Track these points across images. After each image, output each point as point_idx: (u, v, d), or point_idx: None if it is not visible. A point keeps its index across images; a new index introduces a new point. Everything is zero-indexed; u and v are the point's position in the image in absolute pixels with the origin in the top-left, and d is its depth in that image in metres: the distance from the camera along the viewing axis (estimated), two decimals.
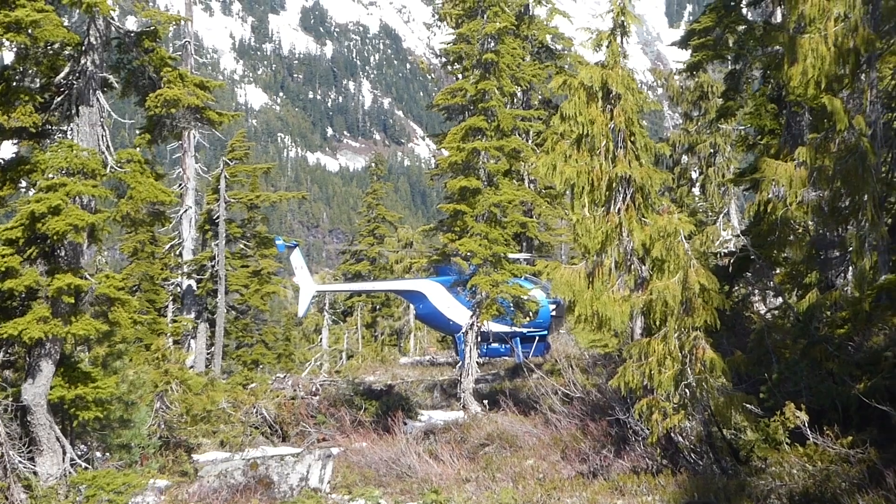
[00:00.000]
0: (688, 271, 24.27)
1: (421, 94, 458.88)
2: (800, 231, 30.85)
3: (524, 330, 48.38)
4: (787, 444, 24.67)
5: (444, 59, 58.40)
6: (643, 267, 25.96)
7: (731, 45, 41.73)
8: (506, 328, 47.37)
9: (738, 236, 44.48)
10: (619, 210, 26.16)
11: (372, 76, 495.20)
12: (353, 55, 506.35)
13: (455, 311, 49.78)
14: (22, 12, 27.12)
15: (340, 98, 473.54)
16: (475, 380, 44.03)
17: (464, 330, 44.03)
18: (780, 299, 36.48)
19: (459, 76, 53.91)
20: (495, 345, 49.53)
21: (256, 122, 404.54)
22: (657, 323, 24.89)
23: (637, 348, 25.06)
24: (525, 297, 43.91)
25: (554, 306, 49.78)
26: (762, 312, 37.63)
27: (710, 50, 41.71)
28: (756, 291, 39.09)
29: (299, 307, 55.97)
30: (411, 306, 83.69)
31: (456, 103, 45.11)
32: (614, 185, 26.22)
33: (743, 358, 26.45)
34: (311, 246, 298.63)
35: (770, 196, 30.71)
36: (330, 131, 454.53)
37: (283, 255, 57.68)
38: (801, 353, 27.99)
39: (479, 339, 43.61)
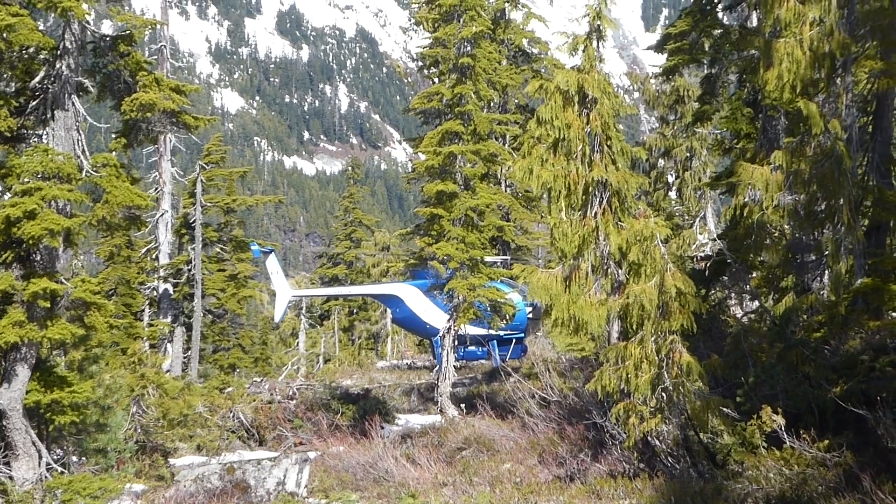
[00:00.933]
0: (664, 275, 24.30)
1: (397, 97, 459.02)
2: (776, 235, 30.94)
3: (501, 333, 48.34)
4: (763, 447, 24.72)
5: (420, 63, 58.44)
6: (620, 271, 25.99)
7: (706, 49, 41.83)
8: (482, 331, 47.38)
9: (714, 240, 44.57)
10: (595, 214, 26.18)
11: (348, 80, 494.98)
12: (330, 59, 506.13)
13: (432, 314, 49.75)
14: None
15: (317, 102, 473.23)
16: (452, 383, 44.04)
17: (441, 333, 44.04)
18: (756, 303, 36.56)
19: (436, 80, 53.95)
20: (472, 348, 49.52)
21: (233, 125, 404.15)
22: (634, 327, 24.90)
23: (614, 352, 25.08)
24: (502, 301, 43.94)
25: (530, 309, 49.77)
26: (738, 316, 37.70)
27: (686, 54, 41.81)
28: (732, 295, 39.16)
29: (276, 312, 55.91)
30: (389, 310, 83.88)
31: (433, 107, 45.13)
32: (591, 189, 26.24)
33: (719, 362, 26.49)
34: (287, 250, 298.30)
35: (746, 200, 30.79)
36: (306, 135, 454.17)
37: (258, 259, 57.57)
38: (777, 356, 28.04)
39: (455, 342, 43.61)
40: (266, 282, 60.05)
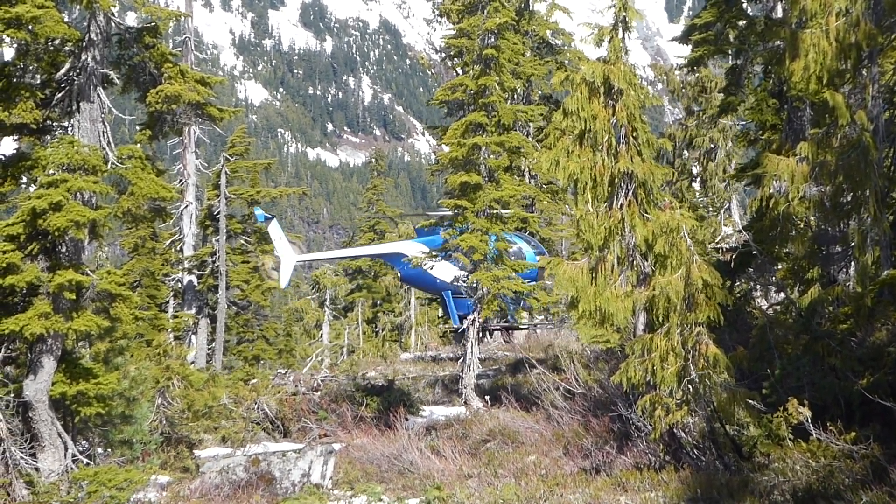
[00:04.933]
0: (690, 267, 24.25)
1: (421, 89, 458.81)
2: (802, 226, 30.79)
3: None
4: (790, 439, 24.67)
5: (444, 55, 58.39)
6: (646, 263, 25.94)
7: (732, 39, 41.67)
8: None
9: (739, 231, 44.46)
10: (621, 206, 26.13)
11: (372, 72, 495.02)
12: (353, 51, 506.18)
13: (440, 269, 49.40)
14: (22, 8, 27.09)
15: (340, 94, 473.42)
16: (477, 375, 44.04)
17: (465, 326, 43.89)
18: (782, 295, 36.46)
19: (459, 71, 53.88)
20: None
21: (256, 117, 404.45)
22: (660, 319, 24.87)
23: (640, 344, 25.04)
24: (525, 294, 43.87)
25: (539, 258, 49.55)
26: (764, 308, 37.60)
27: (712, 45, 41.66)
28: (758, 287, 39.07)
29: (281, 278, 55.81)
30: (412, 301, 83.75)
31: (456, 98, 45.01)
32: (617, 180, 26.20)
33: (745, 354, 26.40)
34: (311, 241, 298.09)
35: (772, 191, 30.70)
36: (330, 127, 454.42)
37: (262, 224, 57.42)
38: (803, 348, 27.96)
39: (479, 333, 43.58)
40: (292, 273, 59.93)
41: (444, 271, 48.61)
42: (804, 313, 29.85)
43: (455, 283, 47.04)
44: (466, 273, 43.91)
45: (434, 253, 45.16)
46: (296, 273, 61.70)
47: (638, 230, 25.74)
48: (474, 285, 43.24)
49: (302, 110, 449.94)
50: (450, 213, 43.35)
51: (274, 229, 52.94)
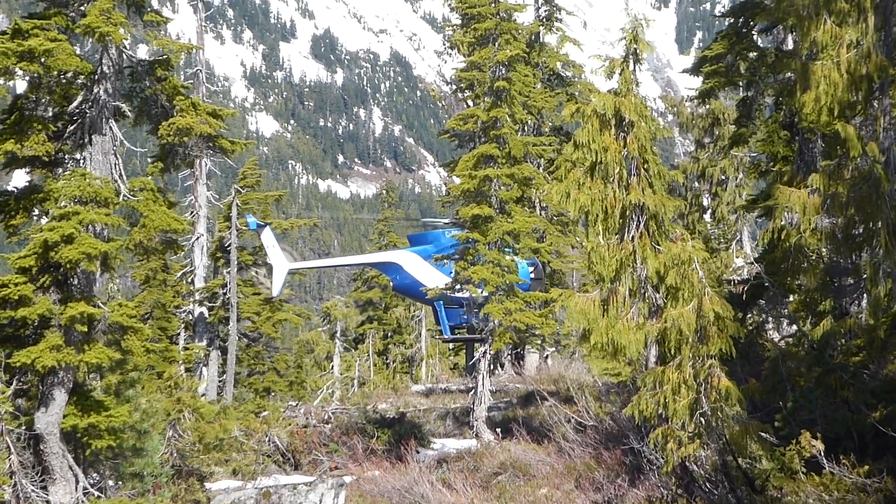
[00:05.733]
0: (702, 299, 24.21)
1: (431, 121, 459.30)
2: (814, 258, 30.78)
3: None
4: (802, 473, 24.60)
5: (455, 87, 58.47)
6: (657, 295, 25.89)
7: (742, 71, 41.67)
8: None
9: (751, 263, 44.40)
10: (633, 237, 26.09)
11: (382, 103, 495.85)
12: (364, 83, 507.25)
13: (433, 279, 49.27)
14: (35, 41, 27.23)
15: (351, 125, 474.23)
16: (488, 407, 43.96)
17: (476, 358, 43.79)
18: (794, 327, 36.39)
19: (470, 103, 53.98)
20: (476, 310, 48.72)
21: (268, 149, 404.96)
22: (672, 351, 24.81)
23: (651, 377, 24.98)
24: (537, 325, 43.83)
25: (532, 268, 49.48)
26: (776, 340, 37.52)
27: (723, 77, 41.66)
28: (770, 319, 38.98)
29: (273, 286, 55.61)
30: (423, 333, 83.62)
31: (467, 129, 45.06)
32: (628, 212, 26.18)
33: (757, 386, 26.35)
34: (321, 273, 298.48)
35: (783, 223, 30.69)
36: (341, 158, 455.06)
37: (255, 232, 57.04)
38: (815, 381, 27.90)
39: (490, 360, 43.49)
40: (300, 304, 59.89)
41: (437, 281, 48.45)
42: (816, 345, 29.79)
43: (448, 293, 46.86)
44: (459, 282, 43.75)
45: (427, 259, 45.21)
46: (307, 306, 61.55)
47: (649, 262, 25.71)
48: (470, 299, 43.31)
49: (313, 142, 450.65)
50: (443, 221, 43.38)
51: (267, 237, 52.80)
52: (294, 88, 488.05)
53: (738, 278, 47.01)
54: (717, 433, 24.98)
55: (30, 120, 28.68)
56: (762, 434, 25.24)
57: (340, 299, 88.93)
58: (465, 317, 48.11)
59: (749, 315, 37.89)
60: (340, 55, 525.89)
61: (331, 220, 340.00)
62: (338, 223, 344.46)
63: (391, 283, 52.29)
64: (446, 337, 50.39)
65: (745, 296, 37.17)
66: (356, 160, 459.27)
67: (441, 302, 46.55)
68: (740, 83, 42.81)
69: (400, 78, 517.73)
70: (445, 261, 45.01)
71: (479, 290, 41.98)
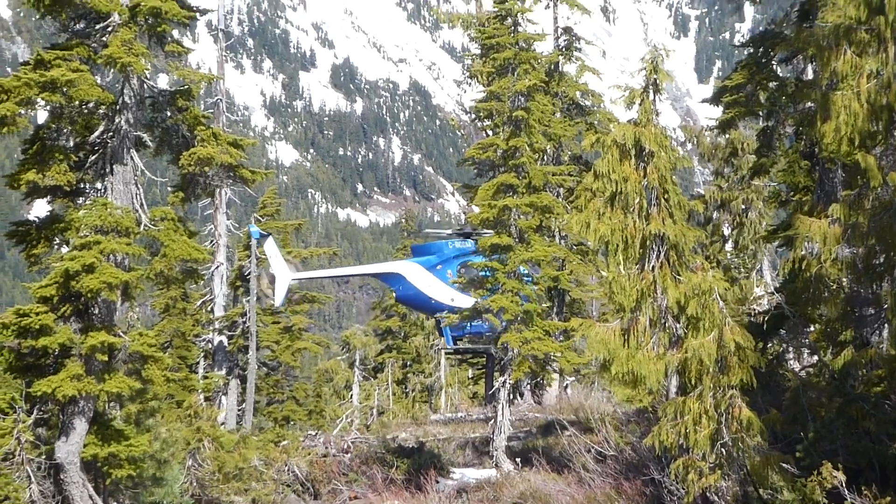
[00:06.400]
0: (723, 329, 24.17)
1: (451, 150, 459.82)
2: (834, 288, 30.65)
3: None
4: None
5: (474, 116, 58.54)
6: (678, 325, 25.83)
7: (763, 101, 41.62)
8: None
9: (771, 293, 44.31)
10: (653, 268, 26.05)
11: (402, 132, 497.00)
12: (383, 112, 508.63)
13: (436, 289, 49.13)
14: (57, 72, 27.39)
15: (370, 154, 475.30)
16: (507, 437, 43.87)
17: (496, 387, 43.73)
18: (815, 357, 36.25)
19: (490, 133, 54.03)
20: (478, 322, 48.54)
21: (287, 178, 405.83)
22: (692, 381, 24.74)
23: (672, 407, 24.92)
24: (556, 354, 43.75)
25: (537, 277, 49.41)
26: (797, 370, 37.40)
27: (743, 107, 41.60)
28: (791, 349, 38.87)
29: (276, 297, 55.46)
30: (442, 362, 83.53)
31: (487, 158, 45.09)
32: (648, 242, 26.13)
33: (779, 416, 26.27)
34: (341, 302, 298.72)
35: (804, 253, 30.62)
36: (360, 187, 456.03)
37: (258, 241, 56.84)
38: (837, 411, 27.78)
39: (510, 390, 43.43)
40: (320, 333, 59.89)
41: (440, 292, 48.35)
42: (837, 376, 29.67)
43: (450, 304, 46.78)
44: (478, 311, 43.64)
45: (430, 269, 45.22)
46: (326, 335, 61.47)
47: (670, 292, 25.65)
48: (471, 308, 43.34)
49: (332, 171, 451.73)
50: (446, 232, 43.38)
51: (270, 247, 52.72)
52: (314, 117, 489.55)
53: (759, 308, 46.90)
54: (739, 464, 24.89)
55: (51, 150, 28.83)
56: (784, 465, 25.14)
57: (359, 328, 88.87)
58: (468, 328, 47.93)
59: (770, 345, 37.78)
60: (360, 84, 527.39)
61: (350, 248, 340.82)
62: (357, 252, 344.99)
63: (394, 294, 52.01)
64: (449, 347, 50.28)
65: (765, 325, 37.04)
66: (375, 189, 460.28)
67: (444, 312, 46.43)
68: (760, 113, 42.77)
69: (419, 107, 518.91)
70: (448, 270, 45.06)
71: (499, 320, 41.93)
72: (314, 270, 60.43)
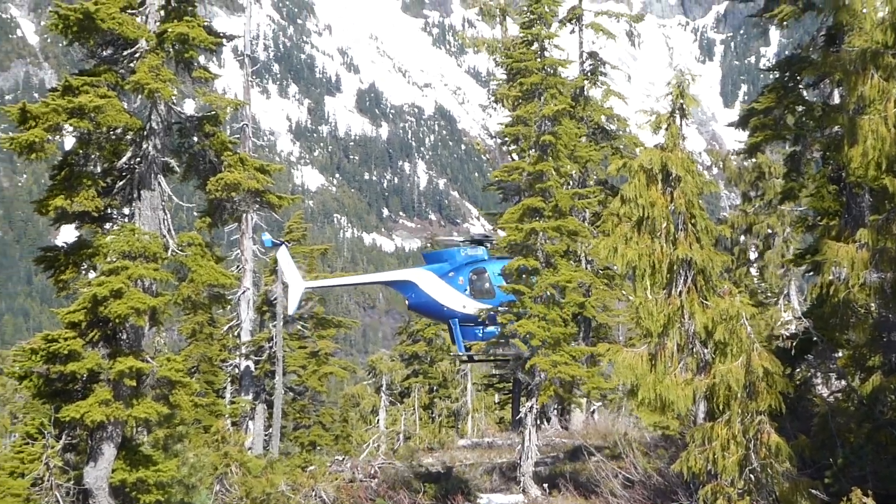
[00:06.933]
0: (751, 354, 24.10)
1: (476, 174, 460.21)
2: (862, 313, 30.53)
3: None
4: None
5: (500, 140, 58.57)
6: (705, 350, 25.76)
7: (790, 125, 41.49)
8: (502, 310, 46.53)
9: (799, 318, 44.15)
10: (680, 293, 25.99)
11: (427, 157, 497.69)
12: (409, 136, 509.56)
13: (448, 297, 49.02)
14: (85, 98, 27.52)
15: (396, 179, 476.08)
16: (534, 462, 43.76)
17: (522, 412, 43.65)
18: (843, 382, 36.09)
19: (516, 157, 54.02)
20: (491, 328, 48.32)
21: (313, 203, 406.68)
22: (720, 407, 24.67)
23: (700, 433, 24.84)
24: (583, 379, 43.64)
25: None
26: (825, 395, 37.23)
27: (771, 130, 41.47)
28: (819, 374, 38.70)
29: (289, 305, 55.30)
30: (469, 387, 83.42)
31: (513, 181, 45.10)
32: (675, 267, 26.09)
33: (807, 442, 26.15)
34: (367, 327, 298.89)
35: (832, 278, 30.48)
36: (386, 212, 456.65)
37: (270, 250, 56.66)
38: (866, 437, 27.67)
39: (536, 418, 43.35)
40: (346, 358, 59.84)
41: (452, 299, 48.27)
42: (866, 401, 29.54)
43: (462, 311, 46.72)
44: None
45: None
46: (353, 359, 61.34)
47: (697, 317, 25.59)
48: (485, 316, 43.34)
49: (358, 195, 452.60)
50: (459, 239, 43.46)
51: (282, 255, 52.65)
52: (339, 142, 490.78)
53: (787, 333, 46.74)
54: (767, 490, 24.78)
55: (79, 176, 28.96)
56: (812, 491, 25.01)
57: (386, 353, 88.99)
58: (481, 335, 47.83)
59: (798, 370, 37.63)
60: (385, 109, 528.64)
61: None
62: None
63: (406, 302, 51.88)
64: (461, 355, 50.16)
65: (793, 351, 36.92)
66: (401, 213, 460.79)
67: (457, 320, 46.38)
68: (787, 137, 42.65)
69: (444, 131, 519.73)
70: (460, 278, 45.08)
71: (526, 345, 41.87)
72: (327, 279, 60.36)
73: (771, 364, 24.07)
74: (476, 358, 49.77)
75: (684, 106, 27.04)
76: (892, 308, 28.94)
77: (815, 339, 34.28)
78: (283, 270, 52.40)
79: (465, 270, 46.01)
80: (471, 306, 45.21)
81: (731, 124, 46.26)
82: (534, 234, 42.31)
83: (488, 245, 47.57)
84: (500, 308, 44.26)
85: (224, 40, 31.22)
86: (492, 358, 47.21)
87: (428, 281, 48.39)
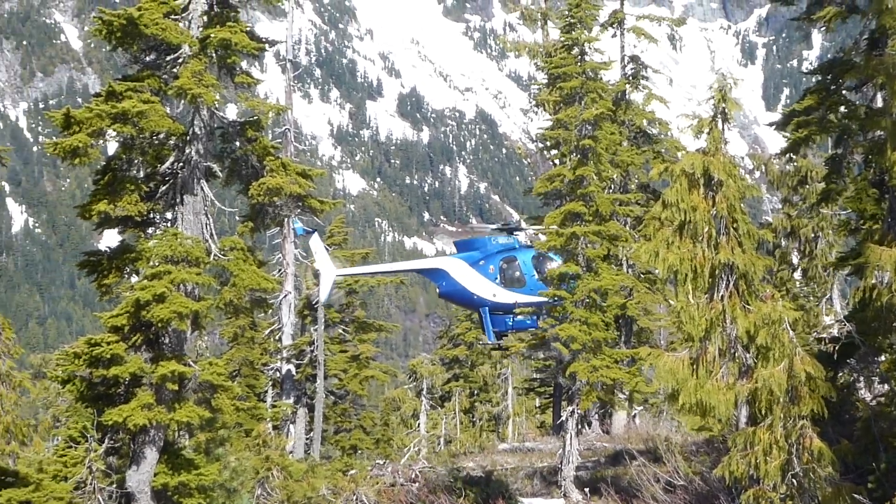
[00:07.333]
0: (793, 359, 24.01)
1: (517, 178, 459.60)
2: None
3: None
4: None
5: (540, 145, 58.50)
6: (747, 354, 25.66)
7: (835, 123, 41.24)
8: (532, 298, 46.36)
9: (841, 322, 43.92)
10: (722, 297, 25.91)
11: (468, 161, 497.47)
12: (450, 140, 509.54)
13: (478, 285, 48.91)
14: (129, 103, 27.67)
15: (437, 183, 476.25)
16: (576, 467, 43.68)
17: (563, 417, 43.58)
18: (886, 386, 35.91)
19: (556, 161, 53.98)
20: (521, 317, 48.17)
21: (354, 207, 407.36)
22: (762, 411, 24.59)
23: (742, 437, 24.77)
24: (623, 381, 43.56)
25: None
26: (868, 400, 37.04)
27: (814, 127, 41.21)
28: (861, 378, 38.49)
29: (321, 292, 55.30)
30: (510, 391, 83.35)
31: (554, 188, 45.08)
32: (717, 272, 26.00)
33: (850, 447, 26.05)
34: (407, 331, 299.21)
35: (874, 282, 30.35)
36: (426, 216, 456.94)
37: (302, 237, 56.66)
38: None
39: (578, 419, 43.29)
40: (386, 362, 59.87)
41: (483, 287, 48.19)
42: None
43: (492, 300, 46.70)
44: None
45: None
46: (393, 363, 61.33)
47: (739, 322, 25.49)
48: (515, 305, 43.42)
49: (399, 200, 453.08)
50: (490, 227, 43.65)
51: (315, 242, 52.62)
52: (380, 146, 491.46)
53: (829, 336, 46.52)
54: (810, 495, 24.68)
55: (122, 181, 29.11)
56: (856, 496, 24.91)
57: (426, 357, 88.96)
58: (511, 324, 47.79)
59: (840, 374, 37.45)
60: (426, 113, 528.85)
61: (417, 277, 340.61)
62: (424, 281, 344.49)
63: (437, 290, 51.78)
64: (489, 342, 50.06)
65: (835, 355, 36.73)
66: (442, 217, 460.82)
67: (487, 308, 46.37)
68: (832, 133, 42.39)
69: (485, 136, 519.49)
70: (490, 266, 45.14)
71: (567, 349, 41.80)
72: (358, 267, 60.45)
73: (813, 368, 23.98)
74: (505, 346, 49.86)
75: (726, 110, 26.97)
76: None
77: (857, 343, 34.11)
78: (315, 258, 52.46)
79: (495, 259, 46.09)
80: (501, 295, 45.28)
81: (772, 124, 46.01)
82: (575, 239, 42.25)
83: (520, 233, 47.60)
84: (533, 299, 44.38)
85: (266, 45, 31.30)
86: (522, 346, 47.18)
87: (459, 269, 48.41)
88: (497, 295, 45.26)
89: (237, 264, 29.69)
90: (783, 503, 24.36)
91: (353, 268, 59.94)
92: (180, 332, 28.34)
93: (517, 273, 45.26)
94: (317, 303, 58.68)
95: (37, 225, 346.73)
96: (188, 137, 29.65)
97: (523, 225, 49.06)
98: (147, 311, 27.09)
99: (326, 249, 53.24)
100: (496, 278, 44.92)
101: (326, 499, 40.87)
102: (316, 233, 52.93)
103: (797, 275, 65.81)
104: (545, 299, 44.43)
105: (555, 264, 44.12)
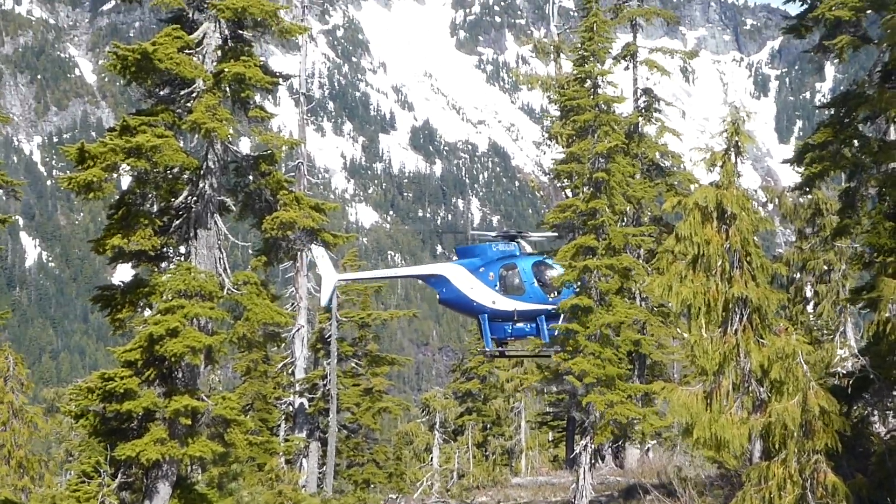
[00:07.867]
0: (807, 393, 23.95)
1: (530, 210, 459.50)
2: None
3: (550, 307, 46.88)
4: None
5: (553, 177, 58.54)
6: (761, 388, 25.61)
7: (849, 156, 41.22)
8: (531, 306, 46.26)
9: (855, 356, 43.80)
10: (735, 331, 25.87)
11: (481, 194, 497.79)
12: (462, 173, 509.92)
13: (478, 292, 48.88)
14: (143, 138, 27.76)
15: (450, 216, 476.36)
16: (589, 501, 43.56)
17: (577, 451, 43.48)
18: None
19: (569, 193, 53.95)
20: (520, 325, 48.05)
21: (367, 240, 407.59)
22: (776, 446, 24.51)
23: (756, 472, 24.69)
24: (637, 418, 43.45)
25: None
26: (882, 434, 36.92)
27: (829, 162, 41.20)
28: (876, 412, 38.37)
29: (322, 296, 55.28)
30: (523, 425, 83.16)
31: (566, 219, 45.09)
32: (731, 305, 25.96)
33: (864, 481, 25.94)
34: (420, 364, 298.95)
35: (889, 315, 30.28)
36: (440, 249, 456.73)
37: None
38: None
39: (591, 453, 43.20)
40: (399, 395, 59.81)
41: (482, 294, 48.15)
42: None
43: (492, 307, 46.67)
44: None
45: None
46: (406, 397, 61.33)
47: (753, 356, 25.44)
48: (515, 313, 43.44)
49: (412, 232, 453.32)
50: (491, 234, 43.82)
51: (317, 249, 52.81)
52: (393, 179, 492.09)
53: (843, 370, 46.38)
54: None
55: (136, 215, 29.18)
56: None
57: (439, 390, 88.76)
58: (510, 331, 47.74)
59: (854, 408, 37.33)
60: (439, 146, 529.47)
61: (429, 310, 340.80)
62: (437, 314, 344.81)
63: (437, 297, 51.72)
64: (488, 351, 50.00)
65: (849, 389, 36.64)
66: (454, 250, 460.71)
67: (486, 315, 46.35)
68: (845, 168, 42.36)
69: (498, 168, 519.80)
70: (490, 273, 45.14)
71: (580, 382, 41.71)
72: (360, 272, 60.48)
73: (827, 403, 23.92)
74: (507, 354, 49.87)
75: (739, 143, 26.98)
76: None
77: (871, 377, 34.01)
78: (317, 263, 52.52)
79: (496, 266, 46.12)
80: (500, 302, 45.27)
81: (786, 161, 45.98)
82: (587, 272, 42.24)
83: (521, 241, 47.69)
84: (532, 307, 44.47)
85: (280, 80, 31.37)
86: (521, 355, 47.13)
87: (459, 275, 48.44)
88: (496, 302, 45.31)
89: (250, 298, 29.70)
90: None
91: (354, 273, 60.03)
92: (193, 367, 28.36)
93: (517, 280, 45.32)
94: (329, 336, 58.68)
95: (50, 259, 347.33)
96: (202, 171, 29.73)
97: (525, 232, 49.11)
98: (160, 346, 27.11)
99: (329, 255, 53.29)
100: (496, 285, 44.97)
101: None
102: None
103: (811, 308, 65.66)
104: (545, 307, 44.53)
105: (555, 272, 44.15)
